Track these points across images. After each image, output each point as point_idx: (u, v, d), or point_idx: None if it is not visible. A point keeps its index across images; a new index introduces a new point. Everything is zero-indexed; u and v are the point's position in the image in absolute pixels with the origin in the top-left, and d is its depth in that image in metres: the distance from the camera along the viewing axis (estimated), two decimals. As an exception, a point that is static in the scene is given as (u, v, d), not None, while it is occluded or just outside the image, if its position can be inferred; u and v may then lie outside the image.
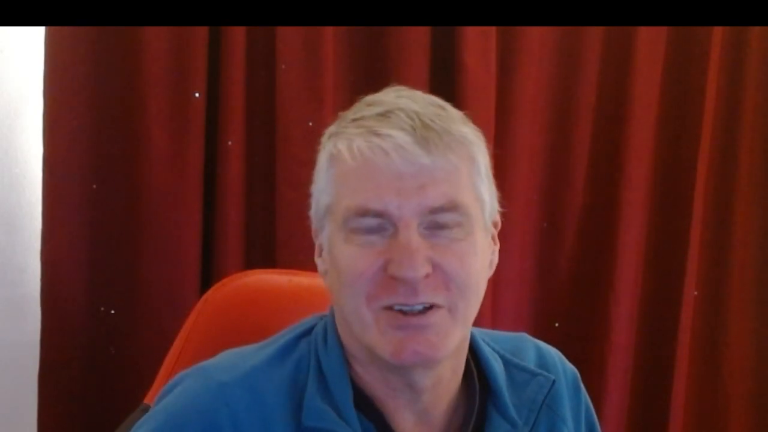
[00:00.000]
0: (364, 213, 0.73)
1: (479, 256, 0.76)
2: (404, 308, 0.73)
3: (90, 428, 1.41)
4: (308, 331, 0.84)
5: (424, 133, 0.72)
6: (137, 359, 1.39)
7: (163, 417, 0.78)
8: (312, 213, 0.82)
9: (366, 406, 0.79)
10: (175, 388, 0.80)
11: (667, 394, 1.71)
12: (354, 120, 0.76)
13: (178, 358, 1.00)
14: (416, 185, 0.72)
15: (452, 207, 0.73)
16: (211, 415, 0.75)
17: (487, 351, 0.86)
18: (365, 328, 0.74)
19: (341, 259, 0.75)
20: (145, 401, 1.00)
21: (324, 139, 0.80)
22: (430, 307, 0.73)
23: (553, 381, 0.86)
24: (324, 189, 0.78)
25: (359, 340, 0.76)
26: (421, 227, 0.73)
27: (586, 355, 1.66)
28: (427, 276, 0.72)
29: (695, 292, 1.74)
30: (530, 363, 0.88)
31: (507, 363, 0.87)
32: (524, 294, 1.66)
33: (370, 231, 0.73)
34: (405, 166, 0.72)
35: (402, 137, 0.72)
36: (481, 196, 0.77)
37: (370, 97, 0.79)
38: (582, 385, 0.93)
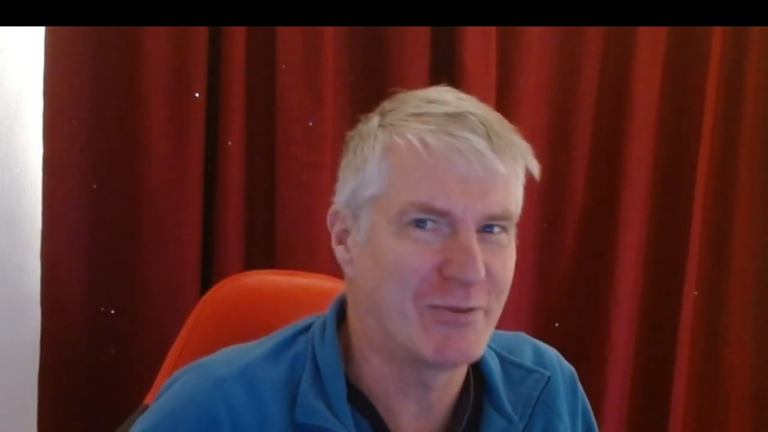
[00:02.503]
0: (428, 210, 0.73)
1: (513, 263, 0.79)
2: (453, 308, 0.74)
3: (90, 428, 1.41)
4: (306, 329, 0.84)
5: (497, 140, 0.74)
6: (137, 359, 1.39)
7: (162, 412, 0.78)
8: (340, 198, 0.80)
9: (362, 403, 0.79)
10: (174, 384, 0.80)
11: (667, 394, 1.71)
12: (417, 114, 0.76)
13: (178, 358, 1.00)
14: (480, 190, 0.73)
15: (505, 216, 0.75)
16: (209, 409, 0.76)
17: None
18: (406, 324, 0.74)
19: (391, 253, 0.74)
20: (145, 401, 1.00)
21: (371, 126, 0.79)
22: (475, 307, 0.75)
23: (549, 377, 0.87)
24: (374, 178, 0.76)
25: (387, 334, 0.76)
26: (476, 232, 0.74)
27: (586, 355, 1.66)
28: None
29: (695, 292, 1.74)
30: (527, 361, 0.89)
31: (503, 360, 0.87)
32: (524, 294, 1.66)
33: (424, 228, 0.73)
34: (480, 170, 0.72)
35: (478, 141, 0.73)
36: (519, 206, 0.79)
37: (423, 93, 0.79)
38: (579, 384, 0.93)
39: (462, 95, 0.79)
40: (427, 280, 0.73)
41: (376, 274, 0.75)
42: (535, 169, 0.79)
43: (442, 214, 0.73)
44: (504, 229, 0.76)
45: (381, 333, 0.77)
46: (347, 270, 0.81)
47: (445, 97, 0.78)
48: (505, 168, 0.73)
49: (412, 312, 0.73)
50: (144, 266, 1.41)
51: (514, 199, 0.77)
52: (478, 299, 0.74)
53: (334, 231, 0.82)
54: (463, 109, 0.75)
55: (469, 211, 0.73)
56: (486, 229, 0.75)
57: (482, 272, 0.72)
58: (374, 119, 0.79)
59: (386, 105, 0.80)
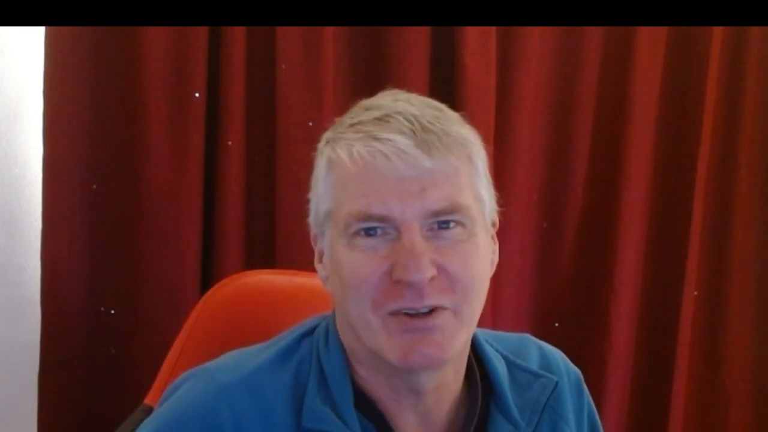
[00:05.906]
0: (367, 218, 0.72)
1: (482, 257, 0.76)
2: (410, 311, 0.73)
3: (90, 428, 1.41)
4: (310, 332, 0.84)
5: (424, 135, 0.72)
6: (137, 359, 1.39)
7: (166, 418, 0.78)
8: (311, 219, 0.82)
9: (367, 407, 0.79)
10: (179, 389, 0.80)
11: (667, 394, 1.71)
12: (352, 125, 0.76)
13: (178, 359, 1.00)
14: (418, 188, 0.72)
15: (454, 209, 0.73)
16: (213, 416, 0.75)
17: (490, 352, 0.86)
18: (372, 334, 0.74)
19: (345, 265, 0.74)
20: (146, 402, 0.99)
21: (321, 144, 0.80)
22: (436, 309, 0.73)
23: (556, 382, 0.86)
24: (323, 195, 0.78)
25: (365, 346, 0.76)
26: (424, 230, 0.72)
27: (586, 355, 1.66)
28: (432, 279, 0.72)
29: (695, 292, 1.74)
30: (533, 364, 0.88)
31: (510, 364, 0.86)
32: (524, 294, 1.66)
33: (372, 236, 0.73)
34: (406, 169, 0.71)
35: (402, 141, 0.72)
36: (481, 197, 0.77)
37: (366, 102, 0.79)
38: (585, 387, 0.93)
39: (402, 96, 0.78)
40: (380, 287, 0.72)
41: (341, 289, 0.76)
42: (479, 157, 0.77)
43: (382, 219, 0.72)
44: (460, 223, 0.74)
45: (360, 344, 0.77)
46: (327, 287, 0.81)
47: (383, 101, 0.77)
48: (432, 162, 0.71)
49: (375, 321, 0.73)
50: (144, 266, 1.41)
51: (469, 190, 0.75)
52: (436, 298, 0.72)
53: (316, 251, 0.83)
54: (393, 110, 0.74)
55: (407, 212, 0.71)
56: (441, 225, 0.73)
57: (427, 272, 0.71)
58: (325, 134, 0.80)
59: (337, 118, 0.80)
